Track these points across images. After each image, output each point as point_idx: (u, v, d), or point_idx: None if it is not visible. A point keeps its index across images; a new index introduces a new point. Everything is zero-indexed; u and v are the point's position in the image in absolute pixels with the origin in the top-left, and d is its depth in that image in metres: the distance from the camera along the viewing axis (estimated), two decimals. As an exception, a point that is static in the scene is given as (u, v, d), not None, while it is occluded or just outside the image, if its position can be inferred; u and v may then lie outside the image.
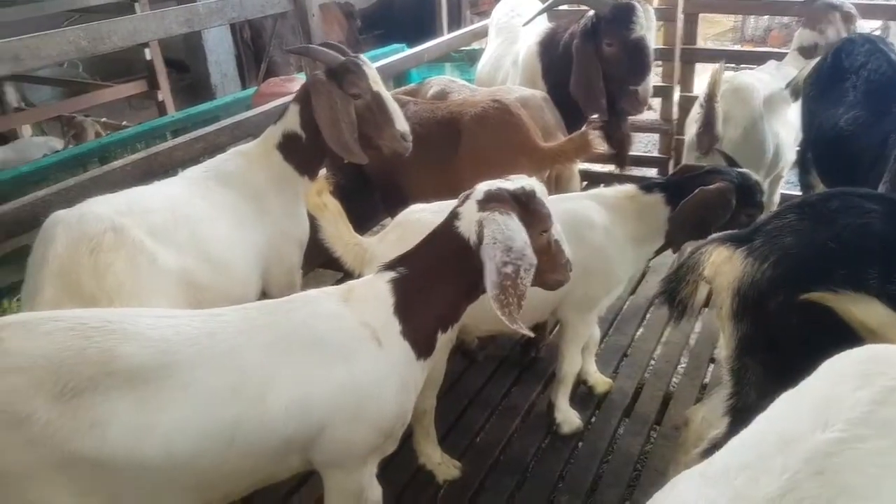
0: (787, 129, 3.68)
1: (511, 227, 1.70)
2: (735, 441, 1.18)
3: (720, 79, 3.36)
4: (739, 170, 2.65)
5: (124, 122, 5.33)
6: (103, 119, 5.35)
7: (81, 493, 1.51)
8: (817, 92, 3.28)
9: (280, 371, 1.63)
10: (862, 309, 1.50)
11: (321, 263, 3.53)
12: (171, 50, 7.19)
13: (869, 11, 4.82)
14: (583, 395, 3.06)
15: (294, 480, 2.53)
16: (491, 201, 1.77)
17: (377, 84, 2.62)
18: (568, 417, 2.85)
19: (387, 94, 2.65)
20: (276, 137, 2.64)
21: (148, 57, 5.99)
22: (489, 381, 3.20)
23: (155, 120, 4.89)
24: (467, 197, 1.83)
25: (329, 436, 1.70)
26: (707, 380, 3.15)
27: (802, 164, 3.51)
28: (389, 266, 1.84)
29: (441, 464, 2.64)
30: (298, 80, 4.51)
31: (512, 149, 2.90)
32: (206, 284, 2.25)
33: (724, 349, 1.89)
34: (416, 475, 2.64)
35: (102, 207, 2.13)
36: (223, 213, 2.42)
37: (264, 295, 2.63)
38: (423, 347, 1.83)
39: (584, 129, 2.92)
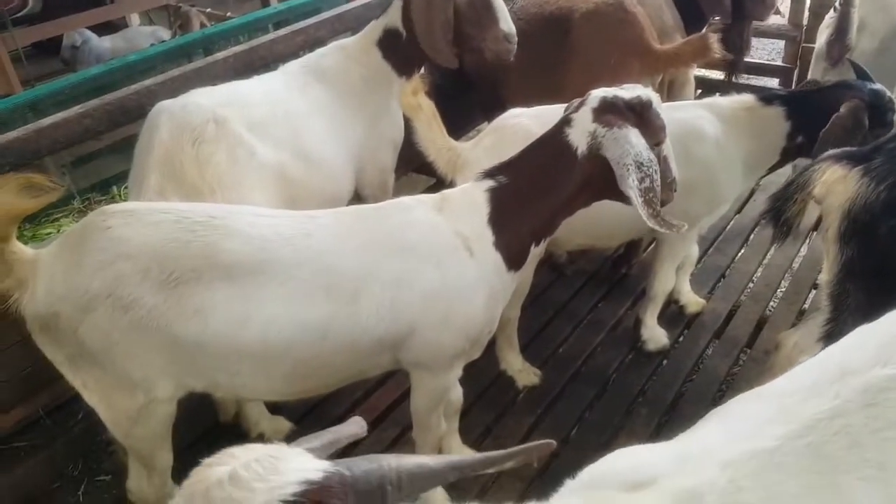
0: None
1: (633, 143, 1.69)
2: (798, 368, 1.19)
3: None
4: (871, 85, 2.39)
5: (228, 14, 5.38)
6: (208, 10, 5.40)
7: (183, 373, 1.66)
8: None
9: (372, 274, 1.68)
10: None
11: (415, 168, 3.57)
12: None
13: None
14: (673, 315, 3.02)
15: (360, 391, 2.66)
16: (606, 111, 1.72)
17: None
18: (655, 335, 2.83)
19: None
20: (377, 33, 2.62)
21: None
22: (576, 295, 3.20)
23: (258, 11, 4.90)
24: (582, 104, 1.78)
25: (418, 338, 1.76)
26: (806, 305, 3.02)
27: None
28: (489, 174, 1.83)
29: (522, 370, 2.71)
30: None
31: (624, 49, 2.77)
32: (301, 180, 2.32)
33: (826, 273, 1.82)
34: (497, 379, 2.73)
35: (205, 99, 2.21)
36: (320, 109, 2.46)
37: (356, 196, 2.70)
38: (514, 259, 1.84)
39: (703, 31, 2.72)
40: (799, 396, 1.07)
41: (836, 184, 1.70)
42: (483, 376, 2.69)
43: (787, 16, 4.72)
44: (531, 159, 1.82)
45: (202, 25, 5.01)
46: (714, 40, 2.61)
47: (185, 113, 2.13)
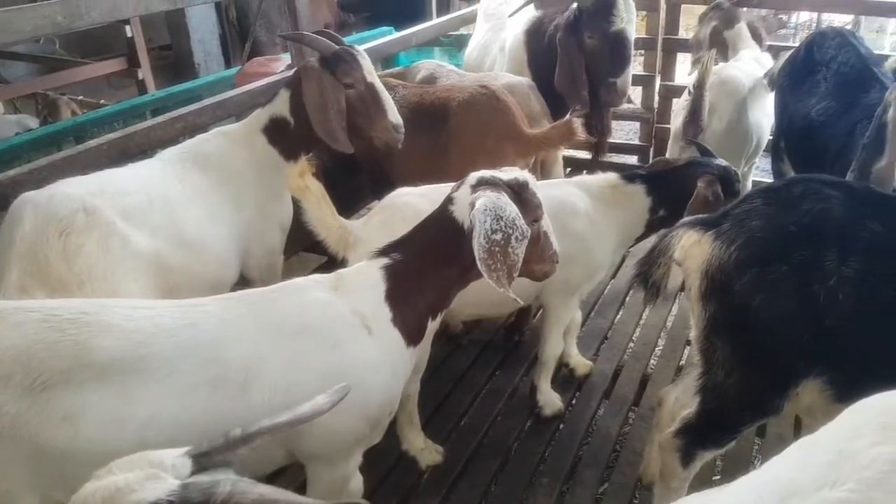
0: (766, 118, 3.77)
1: (502, 200, 1.73)
2: (738, 484, 1.12)
3: (710, 67, 3.41)
4: (718, 162, 2.72)
5: (102, 101, 5.24)
6: (80, 97, 5.24)
7: (49, 486, 1.49)
8: (790, 83, 3.37)
9: (264, 361, 1.61)
10: None
11: (305, 247, 3.55)
12: (152, 28, 7.10)
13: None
14: (564, 378, 3.14)
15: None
16: (485, 186, 1.78)
17: (371, 75, 2.64)
18: (549, 400, 2.93)
19: (381, 86, 2.67)
20: (263, 121, 2.65)
21: (129, 34, 5.92)
22: (473, 365, 3.26)
23: (134, 99, 4.80)
24: (462, 183, 1.85)
25: (316, 427, 1.64)
26: (683, 361, 3.24)
27: (775, 152, 3.60)
28: (383, 252, 1.84)
29: (424, 449, 2.67)
30: (283, 60, 4.49)
31: (499, 134, 2.96)
32: (181, 267, 2.25)
33: (694, 329, 1.97)
34: (399, 461, 2.67)
35: (74, 188, 2.11)
36: (200, 194, 2.42)
37: (243, 279, 2.65)
38: (413, 335, 1.84)
39: (568, 116, 3.00)
40: None
41: (692, 248, 1.89)
42: (384, 460, 2.62)
43: (638, 101, 5.28)
44: (423, 237, 1.86)
45: (73, 113, 4.82)
46: (578, 125, 2.87)
47: (51, 203, 2.02)
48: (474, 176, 1.84)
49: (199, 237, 2.36)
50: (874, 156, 2.37)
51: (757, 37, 4.20)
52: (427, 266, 1.83)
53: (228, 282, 2.53)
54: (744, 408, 1.91)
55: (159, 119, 3.04)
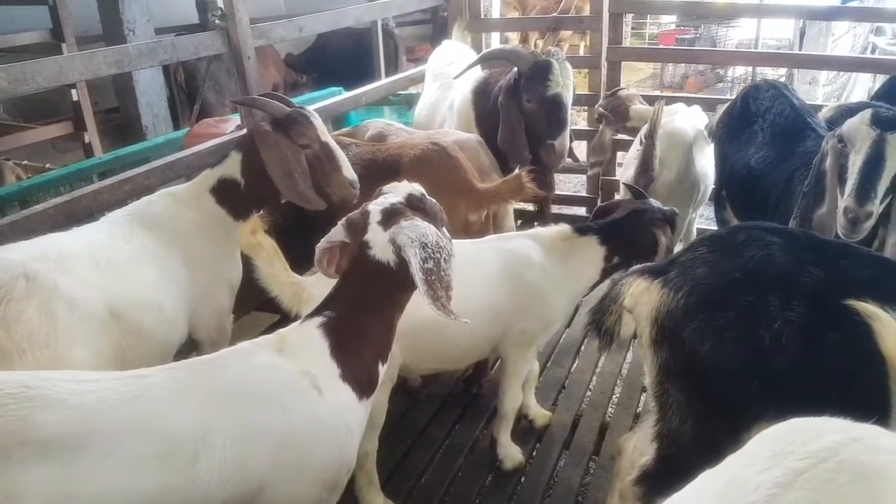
0: (710, 168, 3.93)
1: (420, 226, 1.73)
2: None
3: (660, 118, 3.53)
4: (656, 204, 2.84)
5: (47, 165, 5.15)
6: (25, 161, 5.16)
7: None
8: (729, 134, 3.53)
9: (213, 431, 1.56)
10: (894, 341, 1.40)
11: (256, 306, 3.51)
12: (99, 91, 7.07)
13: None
14: (524, 430, 3.12)
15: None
16: (392, 217, 1.78)
17: (325, 134, 2.69)
18: (510, 453, 2.90)
19: (334, 144, 2.71)
20: (211, 182, 2.65)
21: (74, 97, 5.86)
22: (432, 420, 3.22)
23: (81, 162, 4.73)
24: (362, 223, 1.81)
25: (270, 495, 1.64)
26: (640, 408, 3.26)
27: (718, 200, 3.74)
28: (316, 312, 1.83)
29: None
30: (232, 121, 4.51)
31: (451, 190, 3.01)
32: (130, 330, 2.21)
33: (648, 376, 2.00)
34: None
35: (14, 254, 2.07)
36: (147, 256, 2.40)
37: (191, 339, 2.61)
38: (365, 386, 1.82)
39: (518, 171, 3.06)
40: None
41: (641, 295, 1.93)
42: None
43: (583, 155, 5.44)
44: (352, 288, 1.84)
45: (18, 178, 4.72)
46: (528, 179, 2.94)
47: None
48: (375, 212, 1.81)
49: (147, 299, 2.32)
50: (814, 204, 2.48)
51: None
52: (366, 314, 1.82)
53: (176, 343, 2.48)
54: (699, 453, 1.89)
55: (107, 182, 3.00)
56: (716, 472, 1.18)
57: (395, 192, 1.88)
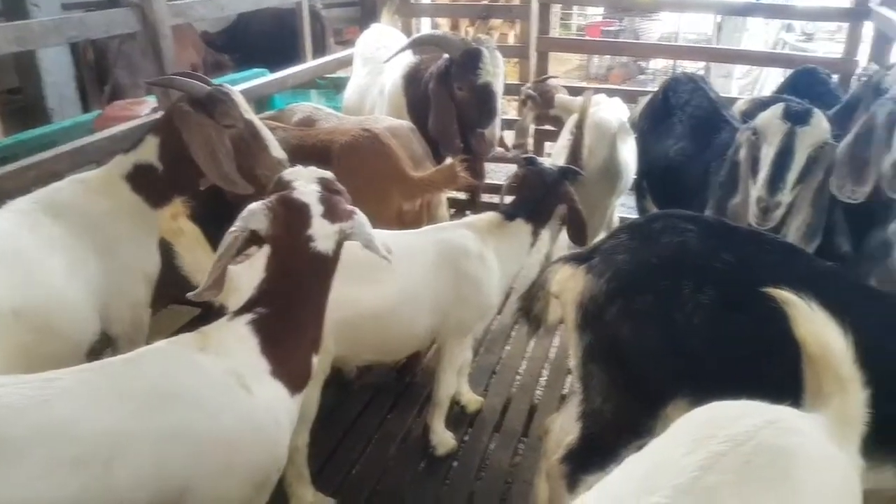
0: (632, 158, 4.06)
1: (361, 214, 1.83)
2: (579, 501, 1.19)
3: (589, 107, 3.59)
4: (552, 166, 2.99)
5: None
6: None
7: None
8: (650, 126, 3.66)
9: (129, 436, 1.50)
10: (808, 327, 1.43)
11: (175, 300, 3.39)
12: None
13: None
14: (456, 416, 3.16)
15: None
16: (332, 208, 1.78)
17: (248, 112, 2.60)
18: (443, 439, 2.93)
19: (259, 123, 2.62)
20: (126, 167, 2.53)
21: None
22: (365, 410, 3.21)
23: (-23, 147, 4.42)
24: (307, 217, 1.75)
25: (195, 498, 1.58)
26: (566, 390, 3.35)
27: (638, 190, 3.88)
28: (245, 308, 1.77)
29: (314, 503, 2.57)
30: (147, 104, 4.32)
31: (383, 177, 2.98)
32: (35, 323, 2.08)
33: (573, 359, 2.06)
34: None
35: None
36: (55, 246, 2.25)
37: (105, 336, 2.49)
38: (298, 381, 1.78)
39: (451, 160, 3.07)
40: None
41: (567, 281, 2.00)
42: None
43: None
44: (291, 283, 1.78)
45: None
46: (460, 168, 2.95)
47: None
48: (314, 203, 1.76)
49: (55, 292, 2.18)
50: (729, 193, 2.60)
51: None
52: (300, 308, 1.78)
53: (89, 341, 2.35)
54: (620, 431, 2.00)
55: (9, 167, 2.79)
56: (641, 456, 1.23)
57: (302, 177, 1.84)
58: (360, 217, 1.81)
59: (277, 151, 2.62)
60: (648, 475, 1.13)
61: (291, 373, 1.75)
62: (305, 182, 1.82)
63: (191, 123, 2.46)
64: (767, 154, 2.39)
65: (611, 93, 4.49)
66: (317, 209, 1.76)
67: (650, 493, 1.07)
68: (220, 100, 2.53)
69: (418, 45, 3.94)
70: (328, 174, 1.89)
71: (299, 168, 1.90)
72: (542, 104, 4.48)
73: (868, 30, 4.28)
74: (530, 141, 5.28)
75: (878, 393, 1.38)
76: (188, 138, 2.46)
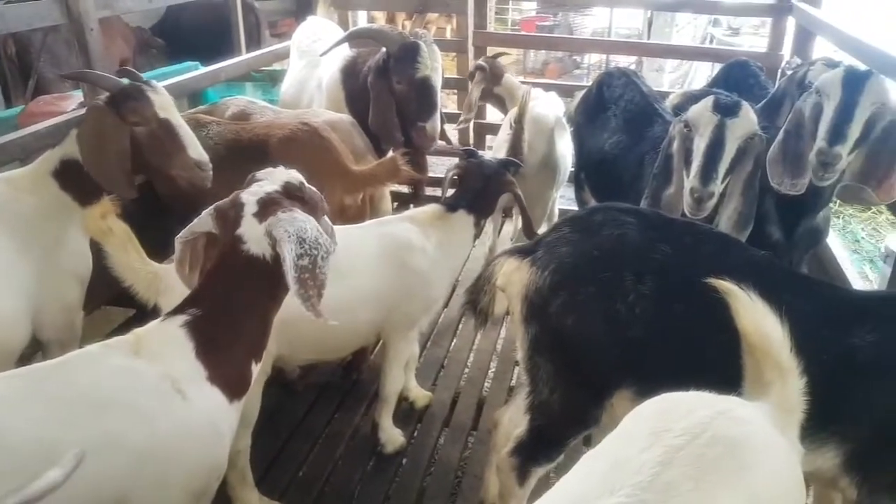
0: (568, 152, 4.12)
1: (298, 218, 1.63)
2: None
3: (528, 102, 3.61)
4: (490, 158, 3.05)
5: None
6: None
7: None
8: (585, 119, 3.72)
9: (60, 446, 1.41)
10: (749, 318, 1.44)
11: (107, 301, 3.29)
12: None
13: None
14: (405, 412, 3.15)
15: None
16: (268, 208, 1.67)
17: (165, 111, 2.51)
18: (392, 436, 2.91)
19: (178, 121, 2.53)
20: (53, 164, 2.44)
21: None
22: (311, 410, 3.16)
23: None
24: (239, 215, 1.69)
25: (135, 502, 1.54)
26: (513, 382, 3.39)
27: (577, 182, 3.94)
28: (179, 309, 1.71)
29: None
30: (74, 98, 4.15)
31: (324, 172, 2.92)
32: None
33: (520, 351, 2.09)
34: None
35: None
36: None
37: (35, 341, 2.41)
38: (236, 388, 1.72)
39: (393, 154, 3.04)
40: None
41: (512, 274, 2.01)
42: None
43: (455, 138, 5.53)
44: (223, 285, 1.71)
45: None
46: (403, 162, 2.93)
47: None
48: (249, 202, 1.70)
49: None
50: (663, 185, 2.67)
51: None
52: (236, 312, 1.71)
53: (18, 345, 2.25)
54: (567, 422, 2.04)
55: (-77, 167, 2.64)
56: (598, 453, 1.23)
57: (271, 179, 1.77)
58: (289, 213, 1.65)
59: (195, 152, 2.53)
60: (608, 474, 1.12)
61: (229, 379, 1.69)
62: (268, 183, 1.75)
63: (88, 117, 2.40)
64: (699, 145, 2.46)
65: (547, 87, 4.56)
66: (250, 209, 1.69)
67: (611, 492, 1.07)
68: (131, 96, 2.45)
69: (355, 38, 3.89)
70: (298, 178, 1.79)
71: (274, 169, 1.82)
72: (490, 79, 4.51)
73: (791, 24, 4.47)
74: (471, 136, 5.32)
75: (812, 380, 1.43)
76: (80, 131, 2.40)
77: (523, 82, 4.75)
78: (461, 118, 4.73)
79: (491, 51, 5.14)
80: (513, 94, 4.42)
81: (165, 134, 2.49)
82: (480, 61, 4.61)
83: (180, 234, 1.78)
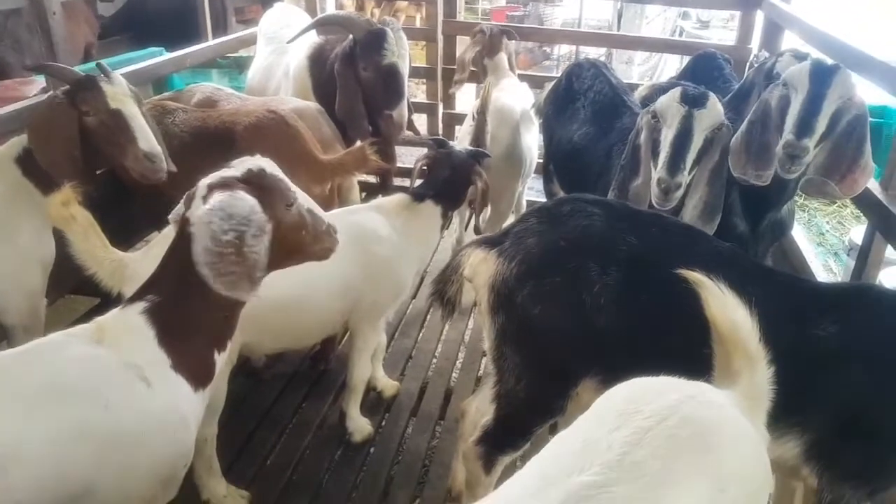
0: (535, 143, 4.12)
1: (235, 197, 1.62)
2: (504, 486, 1.19)
3: (491, 93, 3.61)
4: (460, 148, 3.02)
5: None
6: None
7: None
8: (554, 111, 3.73)
9: (24, 437, 1.42)
10: (719, 308, 1.45)
11: (71, 289, 3.22)
12: None
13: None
14: (373, 401, 3.15)
15: None
16: (215, 190, 1.65)
17: (118, 101, 2.47)
18: (359, 425, 2.91)
19: (131, 112, 2.49)
20: (16, 150, 2.47)
21: None
22: (278, 399, 3.14)
23: None
24: (191, 199, 1.68)
25: (98, 496, 1.52)
26: (481, 372, 3.41)
27: (546, 174, 3.96)
28: (137, 296, 1.68)
29: (227, 496, 2.51)
30: (37, 83, 4.07)
31: (291, 161, 2.85)
32: None
33: (487, 341, 2.09)
34: (200, 513, 2.47)
35: None
36: None
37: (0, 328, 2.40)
38: (200, 376, 1.71)
39: (361, 143, 3.02)
40: None
41: (479, 265, 2.01)
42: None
43: (424, 128, 5.50)
44: (175, 270, 1.68)
45: None
46: (371, 151, 2.91)
47: None
48: (201, 186, 1.69)
49: None
50: (631, 176, 2.69)
51: (512, 67, 4.52)
52: (194, 298, 1.67)
53: None
54: (533, 411, 2.06)
55: None
56: (569, 434, 1.24)
57: (238, 166, 1.76)
58: (222, 193, 1.62)
59: (146, 144, 2.49)
60: (577, 453, 1.14)
61: (193, 367, 1.69)
62: (231, 170, 1.73)
63: (42, 105, 2.43)
64: (667, 136, 2.48)
65: (518, 79, 4.54)
66: (201, 192, 1.67)
67: (581, 471, 1.09)
68: (84, 86, 2.46)
69: (322, 25, 3.84)
70: (263, 165, 1.76)
71: (248, 158, 1.80)
72: (486, 48, 4.36)
73: (760, 18, 4.53)
74: (440, 126, 5.29)
75: (778, 370, 1.46)
76: (31, 120, 2.42)
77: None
78: (455, 77, 4.59)
79: (461, 40, 5.09)
80: (498, 73, 4.34)
81: (116, 125, 2.47)
82: (484, 25, 4.46)
83: (170, 215, 1.77)
